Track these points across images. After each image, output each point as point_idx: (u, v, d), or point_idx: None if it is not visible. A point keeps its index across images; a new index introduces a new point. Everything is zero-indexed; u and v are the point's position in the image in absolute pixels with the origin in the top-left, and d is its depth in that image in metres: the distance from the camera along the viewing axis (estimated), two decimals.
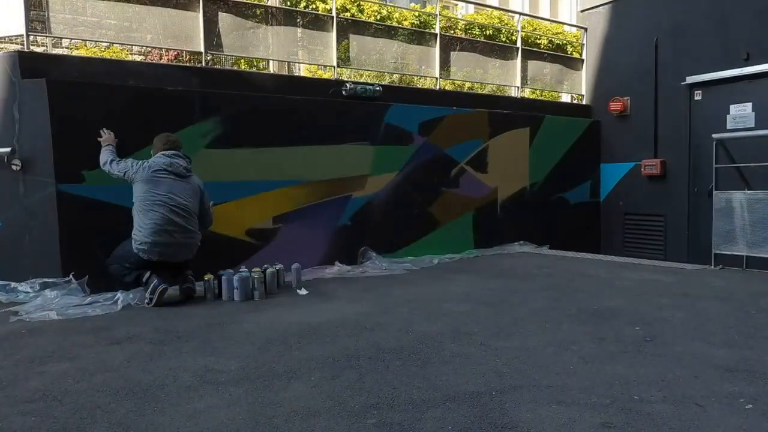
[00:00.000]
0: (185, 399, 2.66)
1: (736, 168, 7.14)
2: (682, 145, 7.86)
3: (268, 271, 4.98)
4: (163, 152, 4.70)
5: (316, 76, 8.33)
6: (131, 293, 4.66)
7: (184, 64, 6.75)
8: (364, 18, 8.65)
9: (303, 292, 4.99)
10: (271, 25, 6.35)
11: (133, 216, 4.59)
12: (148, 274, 4.55)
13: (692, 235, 7.82)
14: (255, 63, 8.57)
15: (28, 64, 4.75)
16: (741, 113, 7.22)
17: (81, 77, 4.97)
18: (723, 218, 6.56)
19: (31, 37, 5.21)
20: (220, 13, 5.94)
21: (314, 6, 8.66)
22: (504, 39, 9.86)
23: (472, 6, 12.29)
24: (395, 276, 5.81)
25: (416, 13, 9.83)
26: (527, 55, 8.73)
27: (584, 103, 9.26)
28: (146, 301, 4.51)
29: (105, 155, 4.70)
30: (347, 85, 6.47)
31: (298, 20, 6.61)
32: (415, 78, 9.05)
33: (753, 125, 7.08)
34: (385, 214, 6.66)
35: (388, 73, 7.75)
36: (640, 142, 8.38)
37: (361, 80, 7.57)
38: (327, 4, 8.39)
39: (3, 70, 4.75)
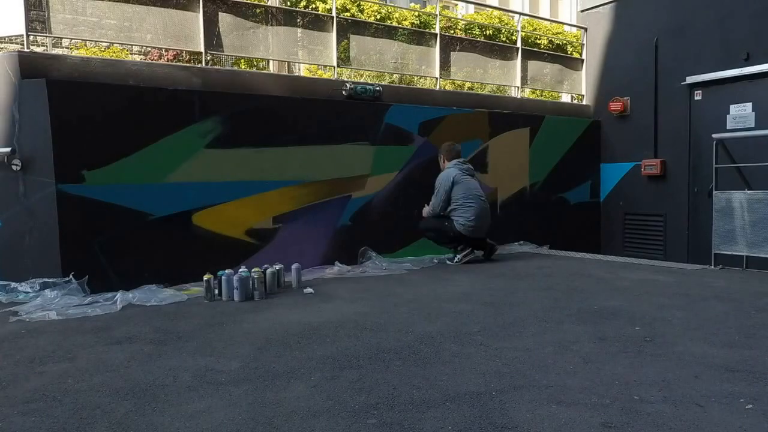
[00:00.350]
0: (185, 399, 2.65)
1: (736, 168, 7.14)
2: (682, 145, 7.86)
3: (268, 271, 4.97)
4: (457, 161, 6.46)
5: (316, 76, 8.33)
6: (131, 293, 4.68)
7: (184, 64, 6.75)
8: (364, 18, 8.67)
9: (309, 290, 4.99)
10: (271, 24, 6.35)
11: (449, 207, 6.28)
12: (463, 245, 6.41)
13: (692, 235, 7.82)
14: (255, 63, 8.58)
15: (28, 64, 4.74)
16: (741, 113, 7.23)
17: (81, 77, 4.96)
18: (723, 218, 6.55)
19: (31, 37, 5.21)
20: (220, 13, 5.94)
21: (314, 6, 8.67)
22: (504, 39, 9.88)
23: (472, 6, 12.31)
24: (395, 276, 5.81)
25: (416, 13, 9.84)
26: (527, 55, 8.73)
27: (584, 103, 9.26)
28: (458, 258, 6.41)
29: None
30: (347, 85, 6.48)
31: (298, 20, 6.61)
32: (415, 78, 9.06)
33: (753, 125, 7.08)
34: (385, 214, 6.66)
35: (388, 73, 7.75)
36: (640, 142, 8.38)
37: (361, 80, 7.57)
38: (327, 3, 8.41)
39: (3, 70, 4.75)
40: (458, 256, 6.48)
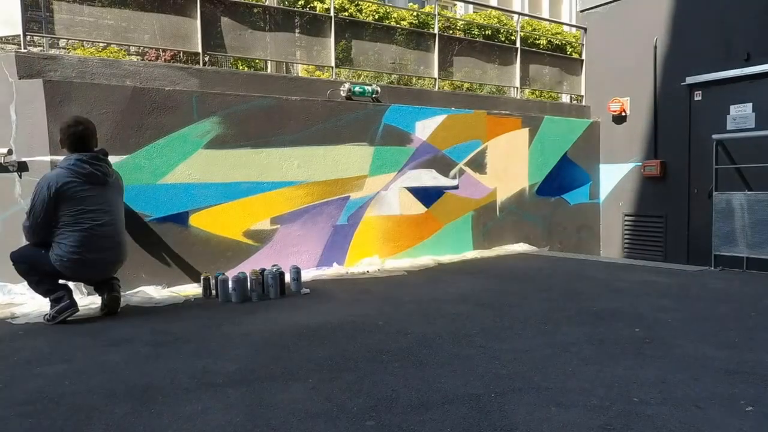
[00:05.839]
0: (182, 401, 2.64)
1: (736, 169, 7.13)
2: (682, 145, 7.85)
3: (266, 272, 4.96)
4: (78, 157, 4.03)
5: (315, 77, 8.32)
6: (128, 294, 4.66)
7: (182, 65, 6.73)
8: (362, 18, 8.65)
9: (306, 292, 4.98)
10: (269, 25, 6.34)
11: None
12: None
13: (692, 236, 7.81)
14: (253, 63, 8.56)
15: (25, 64, 4.73)
16: (741, 113, 7.22)
17: (78, 77, 4.95)
18: (723, 219, 6.54)
19: (28, 38, 5.19)
20: (217, 14, 5.92)
21: (312, 6, 8.65)
22: (503, 39, 9.87)
23: (471, 6, 12.30)
24: (394, 277, 5.80)
25: (414, 14, 9.83)
26: (527, 56, 8.72)
27: (584, 103, 9.25)
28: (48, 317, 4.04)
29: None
30: (345, 85, 6.46)
31: (296, 20, 6.60)
32: (414, 78, 9.05)
33: (753, 125, 7.07)
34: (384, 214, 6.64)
35: (386, 73, 7.73)
36: (639, 143, 8.38)
37: (360, 80, 7.56)
38: (325, 3, 8.39)
39: (0, 71, 4.73)
40: (50, 311, 4.04)
